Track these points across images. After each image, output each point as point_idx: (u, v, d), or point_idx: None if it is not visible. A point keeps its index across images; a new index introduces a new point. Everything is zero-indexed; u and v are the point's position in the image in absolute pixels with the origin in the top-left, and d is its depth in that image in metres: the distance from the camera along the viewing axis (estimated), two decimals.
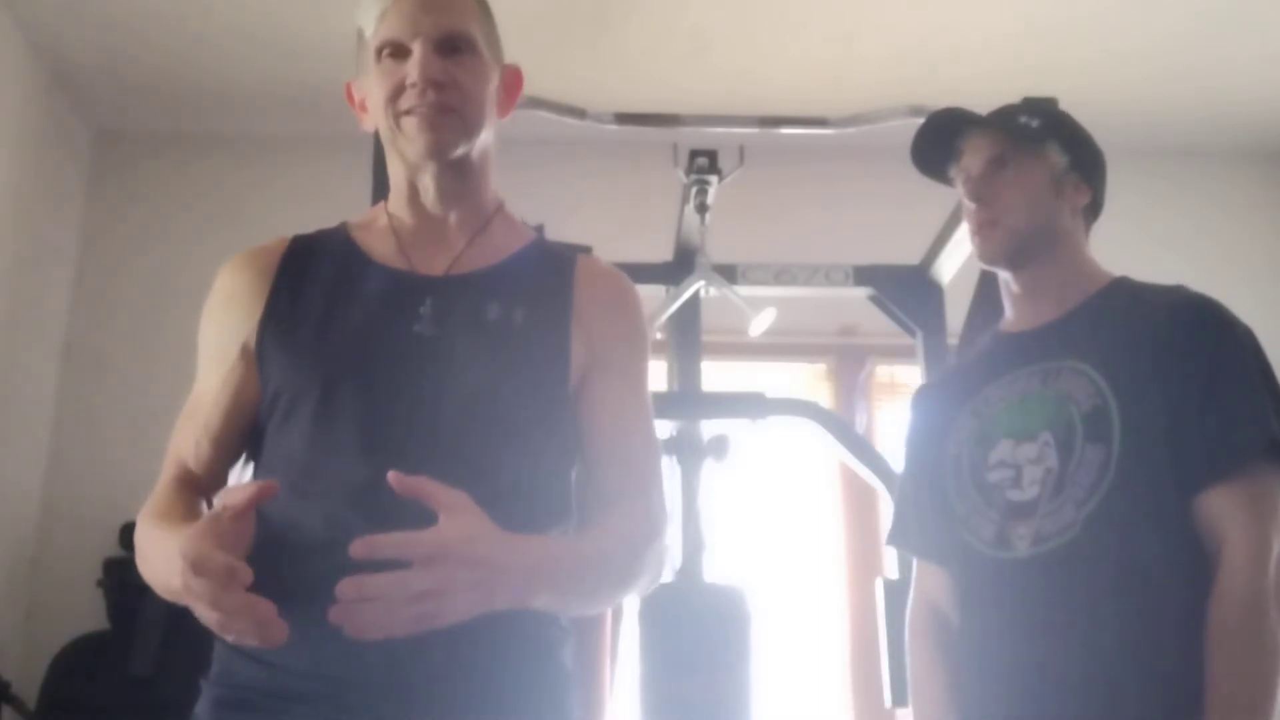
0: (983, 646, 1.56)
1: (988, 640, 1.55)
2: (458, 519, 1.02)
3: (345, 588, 0.96)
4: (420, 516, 1.14)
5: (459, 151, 1.28)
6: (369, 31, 1.29)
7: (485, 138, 1.32)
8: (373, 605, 0.96)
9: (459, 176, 1.31)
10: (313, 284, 1.29)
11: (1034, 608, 1.50)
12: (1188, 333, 1.51)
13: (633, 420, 1.30)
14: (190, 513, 1.22)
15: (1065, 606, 1.48)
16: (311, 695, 1.11)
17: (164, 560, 1.10)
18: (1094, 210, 1.70)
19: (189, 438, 1.28)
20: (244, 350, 1.26)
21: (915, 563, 1.75)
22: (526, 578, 1.07)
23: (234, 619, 1.01)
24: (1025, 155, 1.64)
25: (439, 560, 0.99)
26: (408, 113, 1.25)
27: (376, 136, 1.36)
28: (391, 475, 1.02)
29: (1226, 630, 1.39)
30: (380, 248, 1.32)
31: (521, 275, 1.31)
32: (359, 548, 0.97)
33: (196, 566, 1.00)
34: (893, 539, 1.79)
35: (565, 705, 1.22)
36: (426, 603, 0.98)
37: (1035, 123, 1.66)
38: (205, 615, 1.03)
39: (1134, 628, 1.44)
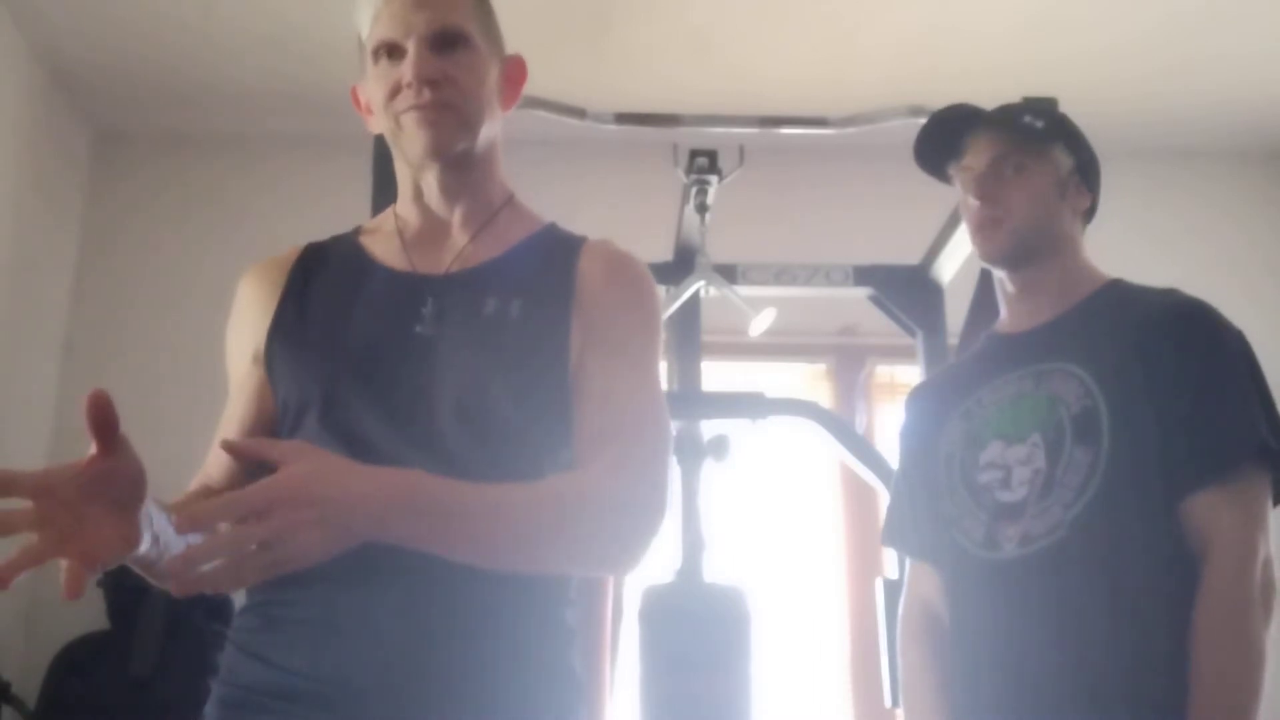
0: (972, 646, 1.57)
1: (977, 640, 1.56)
2: (292, 467, 0.98)
3: (177, 563, 0.91)
4: None
5: (460, 148, 1.27)
6: (364, 34, 1.29)
7: (488, 131, 1.31)
8: (220, 566, 0.92)
9: (462, 172, 1.30)
10: (318, 291, 1.29)
11: (1021, 608, 1.51)
12: (1178, 336, 1.52)
13: (627, 391, 1.24)
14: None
15: (1052, 607, 1.48)
16: (312, 695, 1.11)
17: None
18: (1090, 214, 1.71)
19: (214, 453, 1.28)
20: (255, 362, 1.27)
21: (908, 562, 1.75)
22: (383, 506, 1.01)
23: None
24: (1032, 156, 1.64)
25: (272, 507, 0.94)
26: (406, 112, 1.25)
27: (379, 139, 1.36)
28: (222, 441, 1.00)
29: (1211, 632, 1.40)
30: (384, 250, 1.32)
31: (523, 265, 1.30)
32: (181, 524, 0.93)
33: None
34: (886, 538, 1.80)
35: (569, 706, 1.21)
36: (272, 550, 0.94)
37: (1040, 124, 1.65)
38: None
39: (1120, 629, 1.44)
